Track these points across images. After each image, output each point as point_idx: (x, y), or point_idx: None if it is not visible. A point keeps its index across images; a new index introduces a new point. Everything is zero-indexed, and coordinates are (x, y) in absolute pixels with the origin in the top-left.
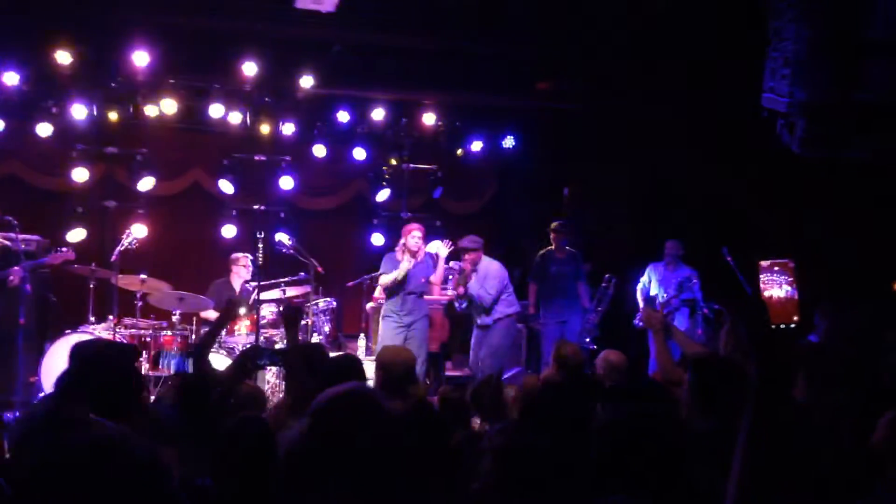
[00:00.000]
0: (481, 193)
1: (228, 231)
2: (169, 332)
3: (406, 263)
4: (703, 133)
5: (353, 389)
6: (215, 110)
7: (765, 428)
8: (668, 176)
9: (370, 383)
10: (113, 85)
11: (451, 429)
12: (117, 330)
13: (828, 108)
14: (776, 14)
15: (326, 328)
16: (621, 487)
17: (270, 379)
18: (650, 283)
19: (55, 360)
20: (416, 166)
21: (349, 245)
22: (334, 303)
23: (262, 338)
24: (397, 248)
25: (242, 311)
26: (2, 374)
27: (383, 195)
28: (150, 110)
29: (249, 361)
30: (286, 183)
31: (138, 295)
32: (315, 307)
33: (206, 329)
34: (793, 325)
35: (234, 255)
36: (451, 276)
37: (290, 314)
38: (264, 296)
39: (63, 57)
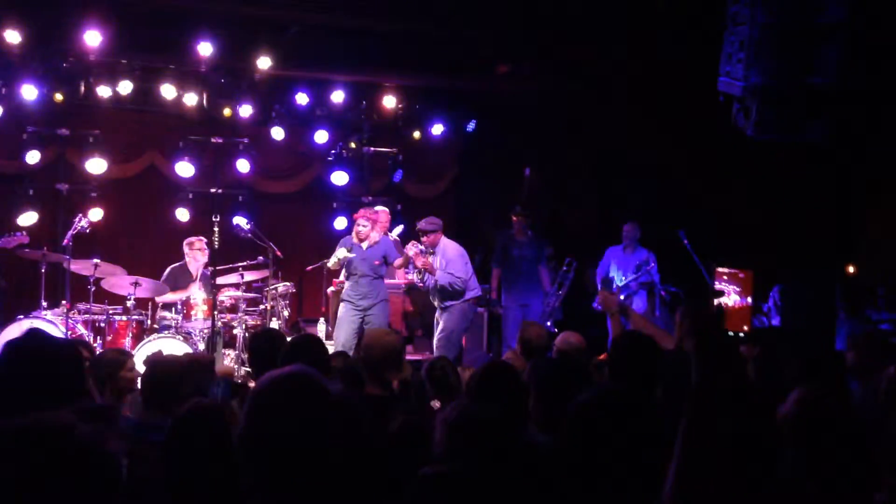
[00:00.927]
0: (442, 177)
1: (182, 214)
2: (123, 318)
3: (343, 251)
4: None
5: (294, 371)
6: (167, 91)
7: (705, 427)
8: (628, 159)
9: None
10: (64, 65)
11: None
12: (70, 315)
13: (782, 92)
14: None
15: (286, 312)
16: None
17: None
18: (609, 267)
19: None
20: (377, 149)
21: (308, 229)
22: (293, 287)
23: (219, 322)
24: (353, 233)
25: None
26: None
27: (342, 178)
28: (103, 91)
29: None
30: (243, 166)
31: (91, 279)
32: (274, 291)
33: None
34: (742, 335)
35: (189, 240)
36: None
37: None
38: (222, 280)
39: (12, 36)
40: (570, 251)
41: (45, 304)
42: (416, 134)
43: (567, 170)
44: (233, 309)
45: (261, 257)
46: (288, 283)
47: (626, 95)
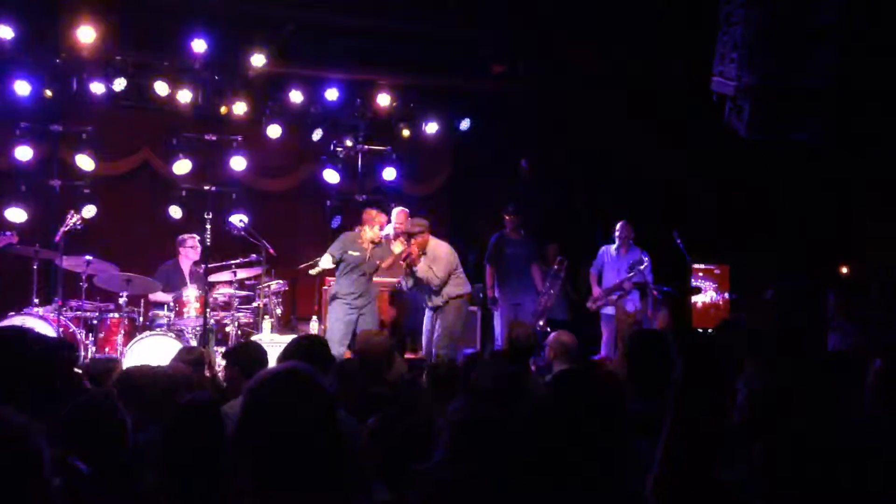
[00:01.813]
0: (436, 175)
1: (175, 212)
2: (116, 315)
3: (349, 253)
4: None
5: (289, 367)
6: (161, 88)
7: (687, 429)
8: (624, 159)
9: None
10: (57, 61)
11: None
12: (62, 312)
13: (774, 93)
14: None
15: (278, 311)
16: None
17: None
18: (602, 266)
19: None
20: (371, 147)
21: (302, 227)
22: (286, 285)
23: (212, 320)
24: (356, 229)
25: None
26: None
27: (337, 177)
28: (96, 87)
29: None
30: (237, 163)
31: (84, 276)
32: (267, 289)
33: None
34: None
35: (181, 237)
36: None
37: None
38: (215, 278)
39: (4, 31)
40: (562, 251)
41: (36, 300)
42: (411, 132)
43: (561, 170)
44: (226, 306)
45: (254, 255)
46: (281, 281)
47: (623, 95)
